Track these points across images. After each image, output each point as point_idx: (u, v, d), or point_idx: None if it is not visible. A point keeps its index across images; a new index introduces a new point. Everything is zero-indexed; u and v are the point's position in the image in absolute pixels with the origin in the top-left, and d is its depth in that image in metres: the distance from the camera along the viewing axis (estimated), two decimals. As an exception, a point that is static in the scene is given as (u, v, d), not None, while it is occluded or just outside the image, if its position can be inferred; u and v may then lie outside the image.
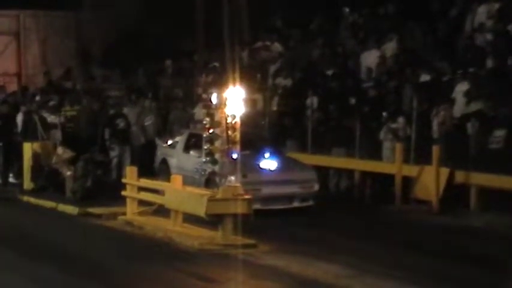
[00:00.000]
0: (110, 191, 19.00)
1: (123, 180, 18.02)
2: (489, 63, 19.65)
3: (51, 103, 24.33)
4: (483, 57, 19.91)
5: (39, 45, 31.02)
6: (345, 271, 13.17)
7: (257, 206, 16.28)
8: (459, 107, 19.02)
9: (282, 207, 18.17)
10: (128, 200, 17.65)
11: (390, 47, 22.66)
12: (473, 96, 18.77)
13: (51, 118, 23.17)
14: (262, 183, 18.08)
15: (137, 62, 28.88)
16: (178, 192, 16.35)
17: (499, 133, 17.76)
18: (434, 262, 13.86)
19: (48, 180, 20.99)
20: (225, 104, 15.28)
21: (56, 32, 31.08)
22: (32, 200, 20.43)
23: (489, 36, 20.39)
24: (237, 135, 15.22)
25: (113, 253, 14.89)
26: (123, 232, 16.75)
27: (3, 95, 27.19)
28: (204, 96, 17.46)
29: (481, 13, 21.21)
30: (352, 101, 21.66)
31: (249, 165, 17.56)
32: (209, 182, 17.70)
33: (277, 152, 19.33)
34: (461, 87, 19.19)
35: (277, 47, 26.53)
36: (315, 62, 24.56)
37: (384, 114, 20.20)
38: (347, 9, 25.86)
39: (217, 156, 15.65)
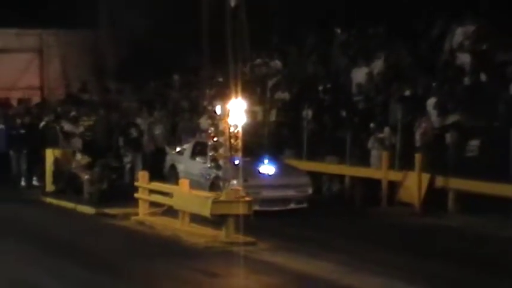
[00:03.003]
0: (123, 193, 19.01)
1: (136, 184, 18.04)
2: (466, 79, 19.73)
3: (72, 114, 24.40)
4: (461, 74, 19.98)
5: (60, 61, 31.07)
6: (336, 267, 13.17)
7: (257, 208, 16.30)
8: (433, 118, 19.13)
9: (279, 208, 18.19)
10: (140, 201, 17.69)
11: (378, 65, 22.72)
12: (451, 109, 18.87)
13: (69, 127, 23.23)
14: (261, 187, 18.11)
15: (148, 76, 28.89)
16: (185, 195, 16.39)
17: (474, 143, 17.84)
18: (415, 259, 13.89)
19: (67, 184, 21.01)
20: (228, 115, 15.30)
21: (75, 49, 31.08)
22: (53, 201, 20.47)
23: (466, 55, 20.45)
24: (239, 143, 15.24)
25: (126, 250, 14.89)
26: (136, 231, 16.78)
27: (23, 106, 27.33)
28: (209, 107, 17.48)
29: (459, 34, 21.25)
30: (343, 113, 21.71)
31: (249, 171, 17.60)
32: (213, 185, 17.66)
33: (275, 159, 19.38)
34: (432, 101, 19.31)
35: (276, 63, 26.57)
36: (310, 77, 24.59)
37: (372, 125, 20.24)
38: (338, 30, 25.90)
39: (221, 162, 15.67)
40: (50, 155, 21.70)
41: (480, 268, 13.22)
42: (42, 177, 22.30)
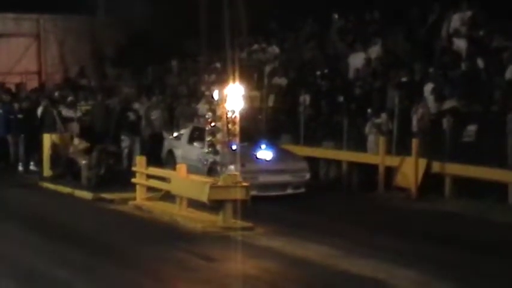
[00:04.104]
0: (121, 178, 18.99)
1: (133, 169, 18.04)
2: (463, 65, 19.68)
3: (69, 99, 24.34)
4: (458, 59, 19.94)
5: (58, 46, 31.02)
6: (333, 251, 13.19)
7: (254, 193, 16.25)
8: (430, 104, 19.09)
9: (276, 193, 18.17)
10: (137, 186, 17.67)
11: (375, 50, 22.66)
12: (448, 95, 18.84)
13: (66, 112, 23.15)
14: (258, 172, 18.09)
15: (146, 62, 28.84)
16: (183, 180, 16.37)
17: (471, 128, 17.82)
18: (412, 243, 13.91)
19: (65, 168, 20.94)
20: (225, 100, 15.29)
21: (73, 35, 31.07)
22: (51, 186, 20.42)
23: (463, 41, 20.40)
24: (237, 128, 15.23)
25: (124, 234, 14.91)
26: (133, 216, 16.77)
27: (24, 91, 27.28)
28: (207, 93, 17.49)
29: (456, 20, 21.20)
30: (341, 98, 21.66)
31: (247, 156, 17.58)
32: (211, 170, 17.71)
33: (272, 144, 19.34)
34: (429, 86, 19.28)
35: (274, 49, 26.50)
36: (307, 63, 24.54)
37: (369, 110, 20.20)
38: (336, 16, 25.84)
39: (218, 147, 15.67)
40: (48, 139, 21.62)
41: (475, 252, 13.22)
42: (39, 162, 22.24)
